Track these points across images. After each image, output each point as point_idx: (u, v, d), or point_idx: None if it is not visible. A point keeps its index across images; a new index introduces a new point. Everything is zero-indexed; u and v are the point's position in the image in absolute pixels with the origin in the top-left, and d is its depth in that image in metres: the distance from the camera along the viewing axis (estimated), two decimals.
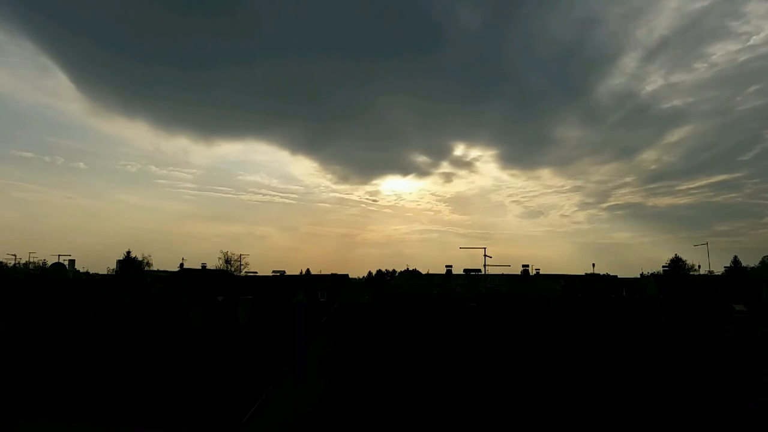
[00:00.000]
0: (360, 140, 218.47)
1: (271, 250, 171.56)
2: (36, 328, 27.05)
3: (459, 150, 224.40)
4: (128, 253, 71.52)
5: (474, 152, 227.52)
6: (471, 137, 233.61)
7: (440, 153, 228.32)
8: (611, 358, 23.22)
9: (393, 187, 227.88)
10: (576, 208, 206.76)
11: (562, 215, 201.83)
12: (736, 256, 67.50)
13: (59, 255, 64.14)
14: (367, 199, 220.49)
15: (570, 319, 28.20)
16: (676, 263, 68.39)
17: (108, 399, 21.30)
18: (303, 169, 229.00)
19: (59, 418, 20.71)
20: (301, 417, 22.29)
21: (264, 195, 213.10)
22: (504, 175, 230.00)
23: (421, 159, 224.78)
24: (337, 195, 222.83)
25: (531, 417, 20.16)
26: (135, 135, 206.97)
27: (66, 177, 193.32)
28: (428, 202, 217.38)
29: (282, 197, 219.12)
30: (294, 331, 24.70)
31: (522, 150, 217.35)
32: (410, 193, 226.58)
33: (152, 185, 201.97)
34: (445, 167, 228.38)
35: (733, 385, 20.76)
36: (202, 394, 20.94)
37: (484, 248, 46.24)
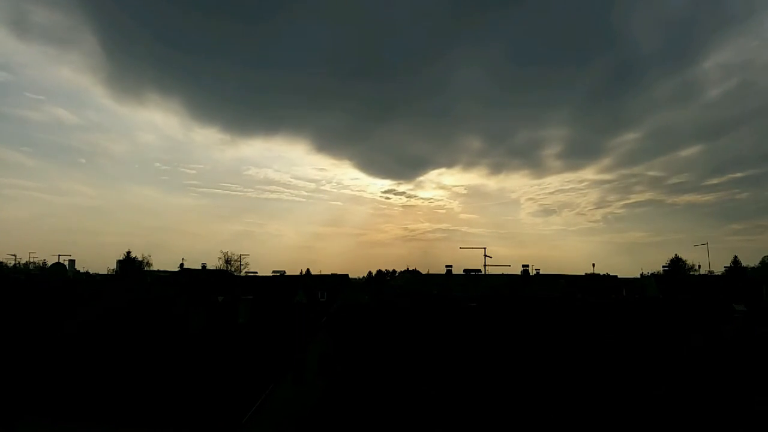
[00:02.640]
0: (412, 127, 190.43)
1: (303, 250, 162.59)
2: (36, 328, 27.05)
3: (521, 136, 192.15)
4: (128, 253, 71.56)
5: (538, 137, 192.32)
6: (540, 119, 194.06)
7: (497, 139, 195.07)
8: (611, 357, 23.22)
9: (428, 181, 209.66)
10: (593, 206, 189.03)
11: (579, 213, 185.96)
12: (736, 256, 67.37)
13: (59, 255, 64.32)
14: (380, 196, 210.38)
15: (570, 319, 28.21)
16: (676, 263, 68.32)
17: (108, 399, 21.31)
18: (332, 166, 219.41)
19: (60, 419, 20.72)
20: (301, 417, 22.29)
21: (279, 193, 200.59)
22: (559, 164, 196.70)
23: (476, 145, 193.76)
24: (354, 193, 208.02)
25: (532, 417, 20.15)
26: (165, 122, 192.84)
27: (68, 173, 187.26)
28: (440, 199, 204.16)
29: (301, 195, 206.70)
30: (294, 331, 24.74)
31: (590, 136, 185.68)
32: (429, 190, 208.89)
33: (159, 181, 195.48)
34: (497, 156, 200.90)
35: (734, 386, 20.74)
36: (203, 394, 20.95)
37: (484, 248, 46.41)
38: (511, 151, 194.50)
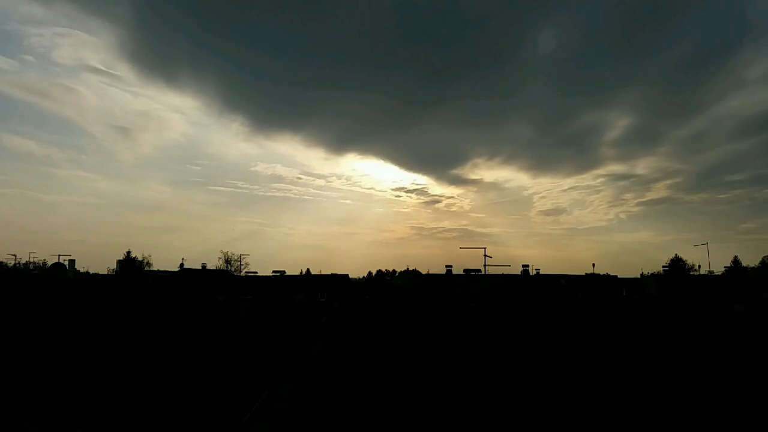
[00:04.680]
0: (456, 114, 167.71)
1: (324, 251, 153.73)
2: (36, 329, 27.05)
3: (578, 122, 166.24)
4: (128, 253, 71.25)
5: (597, 123, 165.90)
6: (606, 102, 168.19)
7: (551, 124, 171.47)
8: (611, 357, 23.21)
9: (456, 176, 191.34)
10: (608, 205, 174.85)
11: (592, 212, 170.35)
12: (736, 257, 67.17)
13: (59, 255, 64.30)
14: (391, 193, 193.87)
15: (570, 319, 28.22)
16: (676, 263, 68.06)
17: (109, 399, 21.32)
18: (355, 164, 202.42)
19: (61, 420, 20.71)
20: (301, 416, 22.29)
21: (286, 191, 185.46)
22: (611, 152, 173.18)
23: (527, 134, 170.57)
24: (364, 190, 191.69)
25: (532, 416, 20.15)
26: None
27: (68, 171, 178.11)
28: (451, 197, 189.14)
29: (309, 192, 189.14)
30: (294, 331, 24.74)
31: (656, 123, 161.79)
32: (450, 186, 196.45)
33: (164, 179, 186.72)
34: (548, 144, 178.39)
35: (733, 385, 20.73)
36: (203, 393, 20.95)
37: (484, 248, 46.36)
38: (562, 141, 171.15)
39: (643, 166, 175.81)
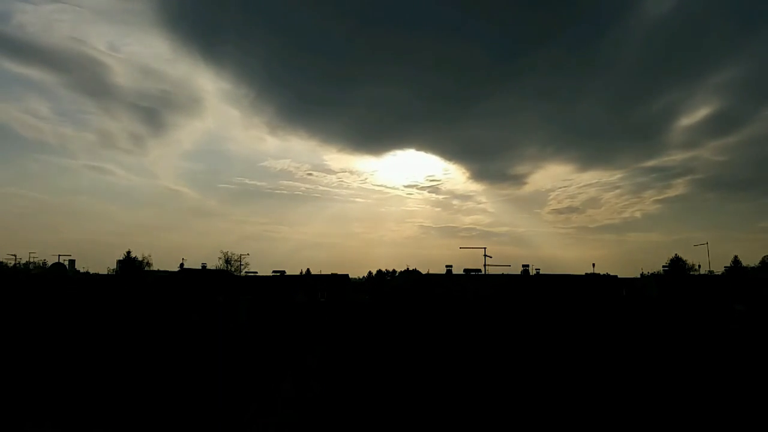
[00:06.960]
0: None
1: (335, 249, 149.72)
2: (36, 329, 27.03)
3: (652, 105, 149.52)
4: (128, 253, 71.04)
5: (674, 106, 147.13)
6: (691, 84, 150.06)
7: (625, 108, 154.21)
8: (612, 356, 23.21)
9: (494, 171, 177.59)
10: (624, 203, 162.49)
11: (605, 210, 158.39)
12: (736, 257, 66.91)
13: (59, 255, 64.27)
14: (403, 192, 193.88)
15: (570, 318, 28.22)
16: (676, 263, 67.84)
17: (109, 399, 21.31)
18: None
19: (62, 422, 20.70)
20: (302, 415, 22.30)
21: (293, 189, 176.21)
22: (677, 140, 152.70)
23: (592, 119, 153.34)
24: (375, 187, 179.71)
25: (532, 416, 20.14)
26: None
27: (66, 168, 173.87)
28: (465, 194, 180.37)
29: (318, 190, 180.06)
30: (294, 331, 24.76)
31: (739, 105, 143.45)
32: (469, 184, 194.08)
33: (172, 176, 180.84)
34: (611, 132, 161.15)
35: (734, 385, 20.73)
36: (204, 393, 20.95)
37: (484, 248, 46.28)
38: (629, 127, 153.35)
39: (691, 158, 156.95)
